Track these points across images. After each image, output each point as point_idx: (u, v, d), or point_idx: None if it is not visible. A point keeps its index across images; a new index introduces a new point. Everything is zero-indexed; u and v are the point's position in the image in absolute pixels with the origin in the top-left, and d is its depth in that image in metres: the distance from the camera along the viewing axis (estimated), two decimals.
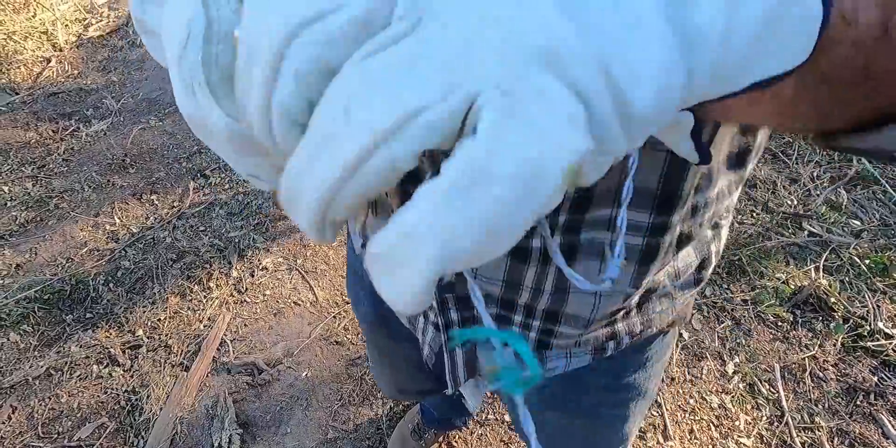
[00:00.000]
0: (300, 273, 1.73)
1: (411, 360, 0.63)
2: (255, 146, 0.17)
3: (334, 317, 1.60)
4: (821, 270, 1.61)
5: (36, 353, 1.56)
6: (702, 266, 0.46)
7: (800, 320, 1.52)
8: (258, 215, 1.92)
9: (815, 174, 1.96)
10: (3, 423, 1.39)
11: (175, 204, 2.00)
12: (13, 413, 1.41)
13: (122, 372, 1.49)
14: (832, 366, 1.42)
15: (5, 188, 2.11)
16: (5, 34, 2.84)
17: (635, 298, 0.44)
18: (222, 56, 0.17)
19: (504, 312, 0.45)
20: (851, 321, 1.49)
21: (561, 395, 0.53)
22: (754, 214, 1.84)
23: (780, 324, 1.52)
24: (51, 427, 1.38)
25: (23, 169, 2.20)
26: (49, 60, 2.80)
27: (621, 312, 0.45)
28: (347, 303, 1.63)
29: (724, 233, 0.46)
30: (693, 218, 0.38)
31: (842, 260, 1.64)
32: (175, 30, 0.18)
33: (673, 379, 1.41)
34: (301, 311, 1.62)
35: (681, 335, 1.50)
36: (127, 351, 1.54)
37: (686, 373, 1.42)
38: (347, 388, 1.40)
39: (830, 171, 1.95)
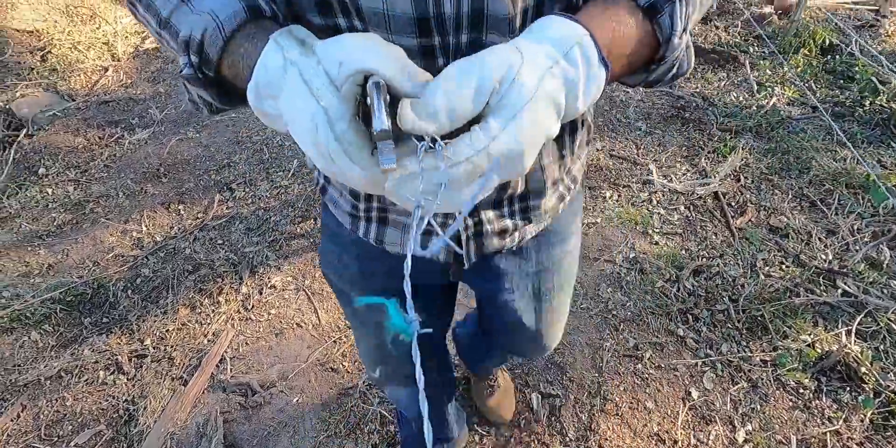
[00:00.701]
0: (307, 294, 1.74)
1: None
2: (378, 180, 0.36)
3: (334, 341, 1.60)
4: (853, 335, 1.48)
5: (52, 353, 1.63)
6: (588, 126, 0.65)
7: (824, 389, 1.40)
8: (274, 232, 1.96)
9: (855, 227, 1.82)
10: (12, 420, 1.45)
11: (199, 215, 2.07)
12: (22, 412, 1.48)
13: (125, 380, 1.53)
14: (857, 444, 1.30)
15: (49, 190, 2.24)
16: (71, 44, 3.04)
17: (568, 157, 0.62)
18: (348, 133, 0.34)
19: (497, 211, 0.61)
20: (883, 396, 1.36)
21: (537, 254, 0.71)
22: (783, 267, 1.72)
23: (801, 391, 1.41)
24: (53, 430, 1.43)
25: (67, 172, 2.34)
26: (106, 70, 2.98)
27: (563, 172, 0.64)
28: (349, 328, 1.62)
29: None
30: None
31: (878, 325, 1.51)
32: (300, 120, 0.35)
33: (676, 442, 1.32)
34: (302, 334, 1.63)
35: (689, 393, 1.41)
36: (133, 359, 1.58)
37: (691, 436, 1.33)
38: (336, 418, 1.39)
39: (874, 225, 1.81)
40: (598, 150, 2.26)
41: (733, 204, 1.99)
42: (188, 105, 0.50)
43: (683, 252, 1.82)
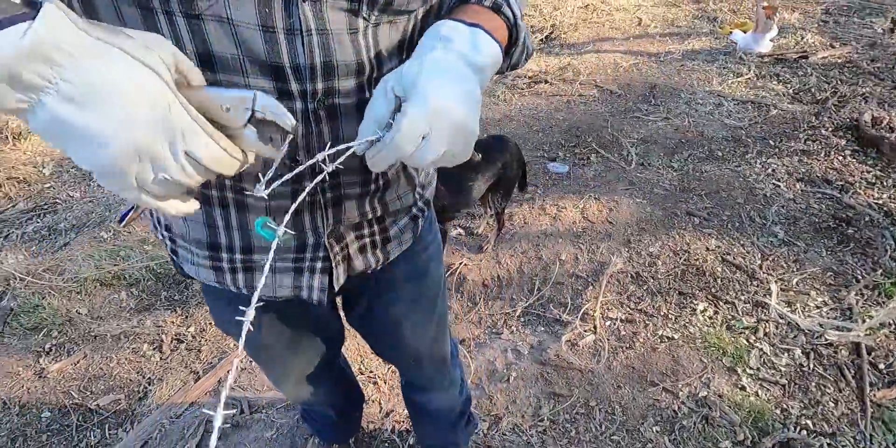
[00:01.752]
0: None
1: (300, 340, 0.85)
2: None
3: None
4: None
5: (126, 314, 1.87)
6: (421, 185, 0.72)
7: None
8: None
9: None
10: (72, 365, 1.70)
11: None
12: (82, 359, 1.72)
13: (158, 359, 1.68)
14: None
15: None
16: None
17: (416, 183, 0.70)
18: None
19: (357, 232, 0.66)
20: None
21: (405, 271, 0.78)
22: None
23: None
24: (90, 384, 1.63)
25: None
26: None
27: (414, 198, 0.70)
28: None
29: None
30: None
31: None
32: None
33: None
34: None
35: None
36: (173, 342, 1.74)
37: None
38: None
39: None
40: (707, 249, 1.89)
41: (881, 367, 1.48)
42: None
43: (777, 412, 1.40)
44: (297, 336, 0.83)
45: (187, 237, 0.63)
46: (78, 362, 1.71)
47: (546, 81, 3.32)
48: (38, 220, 2.48)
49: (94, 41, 0.31)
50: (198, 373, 1.62)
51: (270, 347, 0.83)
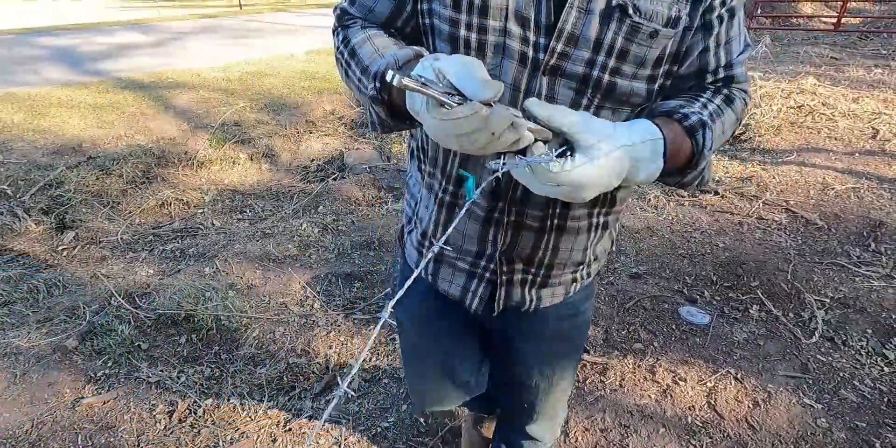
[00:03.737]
0: None
1: (448, 357, 0.95)
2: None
3: None
4: None
5: (174, 361, 1.84)
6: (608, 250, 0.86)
7: None
8: None
9: None
10: (102, 403, 1.68)
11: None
12: (111, 401, 1.70)
13: (162, 428, 1.57)
14: None
15: (300, 223, 2.67)
16: None
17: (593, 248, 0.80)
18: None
19: (527, 267, 0.78)
20: None
21: (538, 328, 0.86)
22: None
23: None
24: (98, 433, 1.58)
25: (326, 216, 2.75)
26: None
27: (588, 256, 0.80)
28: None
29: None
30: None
31: None
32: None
33: None
34: None
35: None
36: (185, 411, 1.62)
37: None
38: None
39: None
40: None
41: None
42: (370, 125, 0.67)
43: None
44: (450, 344, 0.93)
45: (418, 225, 0.81)
46: (106, 402, 1.70)
47: (717, 193, 2.70)
48: (179, 241, 2.72)
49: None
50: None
51: (419, 346, 0.96)
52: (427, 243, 0.79)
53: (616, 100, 0.62)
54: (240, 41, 7.03)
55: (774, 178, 2.82)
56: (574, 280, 0.81)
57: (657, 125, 0.56)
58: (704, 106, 0.62)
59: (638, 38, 0.58)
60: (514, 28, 0.59)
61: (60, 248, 2.67)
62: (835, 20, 7.26)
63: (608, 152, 0.51)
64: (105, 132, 3.62)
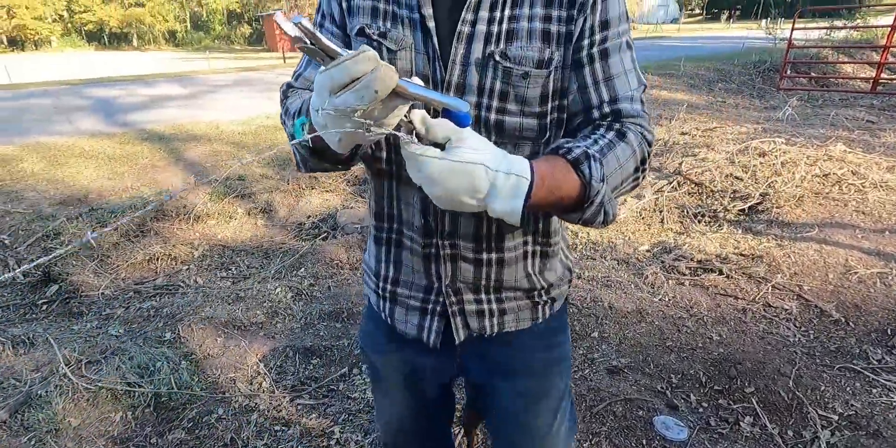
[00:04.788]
0: None
1: (414, 390, 0.93)
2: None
3: None
4: None
5: (102, 442, 1.72)
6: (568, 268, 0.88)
7: None
8: None
9: None
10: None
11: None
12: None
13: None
14: None
15: (274, 286, 2.58)
16: None
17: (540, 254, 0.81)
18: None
19: (476, 295, 0.79)
20: None
21: (509, 360, 0.86)
22: None
23: None
24: None
25: (305, 278, 2.66)
26: None
27: (537, 274, 0.81)
28: None
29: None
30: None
31: None
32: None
33: None
34: None
35: None
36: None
37: None
38: None
39: None
40: None
41: None
42: (296, 166, 0.75)
43: None
44: (412, 380, 0.91)
45: (370, 265, 0.86)
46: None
47: (721, 272, 2.47)
48: (157, 299, 2.68)
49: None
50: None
51: (383, 382, 0.94)
52: (380, 283, 0.83)
53: (509, 135, 0.69)
54: (267, 95, 7.38)
55: (789, 257, 2.57)
56: (536, 304, 0.82)
57: (533, 166, 0.58)
58: (595, 142, 0.65)
59: (513, 80, 0.67)
60: None
61: (41, 301, 2.67)
62: (872, 80, 7.00)
63: (465, 159, 0.54)
64: (114, 183, 3.74)
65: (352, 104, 0.50)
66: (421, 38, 0.68)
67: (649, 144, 0.70)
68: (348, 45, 0.74)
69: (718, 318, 2.13)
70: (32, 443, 1.70)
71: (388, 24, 0.70)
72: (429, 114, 0.57)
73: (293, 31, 0.48)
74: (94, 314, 2.56)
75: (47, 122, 5.33)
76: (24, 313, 2.60)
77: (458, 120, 0.56)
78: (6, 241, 3.05)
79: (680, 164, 3.74)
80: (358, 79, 0.49)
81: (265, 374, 2.00)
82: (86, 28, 33.31)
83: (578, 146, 0.62)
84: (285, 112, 0.74)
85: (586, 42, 0.68)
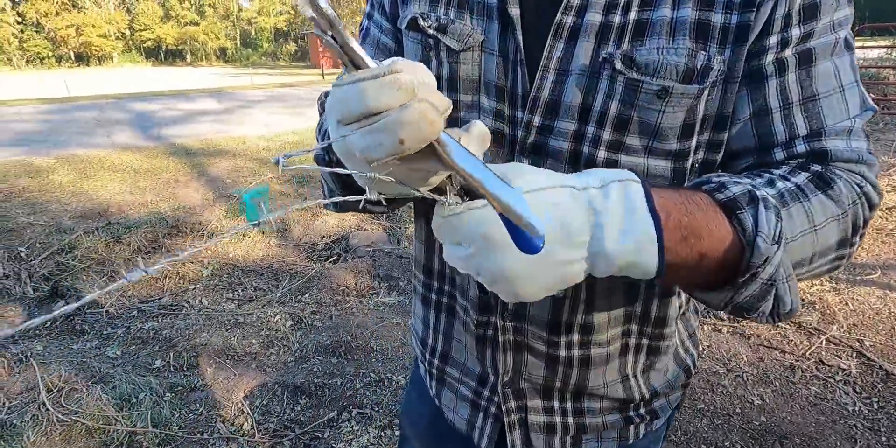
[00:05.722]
0: None
1: None
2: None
3: None
4: None
5: None
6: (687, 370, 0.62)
7: None
8: None
9: None
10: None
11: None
12: None
13: None
14: None
15: (272, 311, 2.46)
16: None
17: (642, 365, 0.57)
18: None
19: (545, 402, 0.58)
20: None
21: None
22: None
23: None
24: None
25: (309, 305, 2.53)
26: None
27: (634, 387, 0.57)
28: None
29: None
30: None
31: None
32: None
33: None
34: None
35: None
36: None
37: None
38: None
39: None
40: None
41: None
42: (326, 204, 0.46)
43: None
44: None
45: (417, 330, 0.67)
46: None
47: None
48: (159, 320, 2.61)
49: None
50: None
51: None
52: (426, 354, 0.65)
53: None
54: (297, 111, 7.47)
55: (847, 304, 2.25)
56: (628, 421, 0.59)
57: (639, 177, 0.36)
58: (770, 182, 0.41)
59: (640, 101, 0.44)
60: (485, 102, 0.49)
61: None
62: None
63: (536, 187, 0.34)
64: (134, 198, 3.76)
65: (362, 150, 0.32)
66: (498, 31, 0.47)
67: (871, 207, 0.43)
68: (403, 48, 0.55)
69: (761, 377, 1.85)
70: None
71: (453, 14, 0.49)
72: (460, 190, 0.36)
73: (306, 10, 0.30)
74: (95, 333, 2.50)
75: (87, 135, 5.52)
76: (27, 330, 2.56)
77: (524, 242, 0.34)
78: (23, 254, 3.06)
79: None
80: (378, 114, 0.30)
81: (248, 414, 1.85)
82: (145, 45, 35.46)
83: (738, 183, 0.39)
84: (319, 126, 0.58)
85: (774, 40, 0.43)
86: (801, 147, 0.44)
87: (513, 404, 0.58)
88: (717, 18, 0.42)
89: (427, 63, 0.50)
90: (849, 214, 0.41)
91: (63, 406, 1.85)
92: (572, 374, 0.55)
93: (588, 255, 0.34)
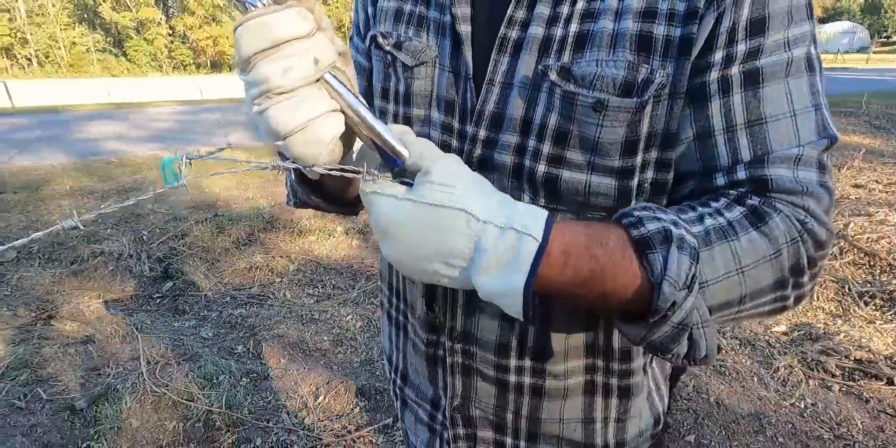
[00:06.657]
0: None
1: None
2: None
3: None
4: None
5: None
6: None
7: None
8: None
9: None
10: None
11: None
12: None
13: None
14: None
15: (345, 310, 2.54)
16: None
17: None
18: None
19: (497, 436, 0.55)
20: None
21: None
22: None
23: None
24: None
25: (376, 311, 2.59)
26: None
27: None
28: None
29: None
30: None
31: None
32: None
33: None
34: None
35: None
36: None
37: None
38: None
39: None
40: None
41: None
42: (287, 199, 0.60)
43: None
44: None
45: (385, 345, 0.67)
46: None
47: (891, 382, 1.86)
48: (247, 308, 2.83)
49: None
50: None
51: None
52: (390, 372, 0.65)
53: (567, 200, 0.45)
54: None
55: None
56: None
57: (551, 225, 0.36)
58: (700, 218, 0.39)
59: (577, 114, 0.42)
60: (436, 115, 0.50)
61: (156, 295, 2.96)
62: None
63: (438, 201, 0.35)
64: (239, 193, 4.13)
65: (268, 80, 0.33)
66: (450, 48, 0.48)
67: (817, 245, 0.39)
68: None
69: None
70: (96, 436, 1.80)
71: (412, 32, 0.51)
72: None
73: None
74: (194, 314, 2.76)
75: (208, 135, 6.18)
76: (141, 304, 2.90)
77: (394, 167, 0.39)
78: (145, 237, 3.48)
79: (846, 225, 3.02)
80: (284, 43, 0.33)
81: (311, 408, 1.92)
82: None
83: (658, 219, 0.37)
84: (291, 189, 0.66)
85: (719, 56, 0.40)
86: (741, 173, 0.41)
87: (461, 431, 0.55)
88: (659, 30, 0.40)
89: (387, 78, 0.53)
90: (783, 253, 0.38)
91: (157, 378, 2.05)
92: (523, 403, 0.52)
93: (461, 277, 0.37)
